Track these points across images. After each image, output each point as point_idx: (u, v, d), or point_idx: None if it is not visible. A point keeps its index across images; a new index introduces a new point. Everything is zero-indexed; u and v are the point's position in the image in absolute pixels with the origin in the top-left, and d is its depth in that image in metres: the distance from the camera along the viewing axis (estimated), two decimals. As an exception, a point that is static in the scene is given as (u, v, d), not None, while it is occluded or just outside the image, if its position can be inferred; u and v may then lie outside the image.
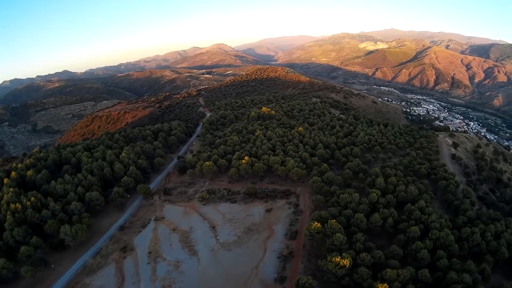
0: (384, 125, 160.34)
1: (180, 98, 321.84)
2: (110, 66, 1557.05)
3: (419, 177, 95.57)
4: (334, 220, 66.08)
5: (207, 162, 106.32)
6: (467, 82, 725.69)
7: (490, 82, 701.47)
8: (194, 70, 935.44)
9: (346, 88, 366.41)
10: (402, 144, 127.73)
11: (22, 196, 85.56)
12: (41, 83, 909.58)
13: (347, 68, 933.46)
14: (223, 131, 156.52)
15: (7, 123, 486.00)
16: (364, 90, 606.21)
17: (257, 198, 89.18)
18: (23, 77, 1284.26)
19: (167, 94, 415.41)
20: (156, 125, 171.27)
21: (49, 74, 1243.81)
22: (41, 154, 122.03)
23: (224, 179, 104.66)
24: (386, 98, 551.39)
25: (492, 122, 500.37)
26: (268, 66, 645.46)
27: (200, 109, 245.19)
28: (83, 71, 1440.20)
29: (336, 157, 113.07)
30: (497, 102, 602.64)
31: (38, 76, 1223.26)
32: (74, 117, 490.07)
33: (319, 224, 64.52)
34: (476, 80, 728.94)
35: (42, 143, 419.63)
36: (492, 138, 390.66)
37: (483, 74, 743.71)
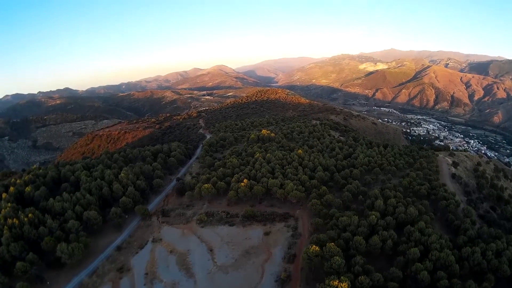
0: (383, 146, 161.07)
1: (181, 119, 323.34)
2: (112, 85, 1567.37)
3: (419, 197, 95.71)
4: (333, 243, 65.90)
5: (206, 185, 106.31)
6: (466, 100, 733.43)
7: (490, 99, 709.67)
8: (195, 92, 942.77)
9: (346, 110, 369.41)
10: (401, 165, 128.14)
11: (19, 212, 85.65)
12: (43, 99, 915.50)
13: (347, 89, 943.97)
14: (222, 153, 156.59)
15: (7, 137, 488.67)
16: (364, 112, 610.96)
17: (255, 221, 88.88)
18: (25, 92, 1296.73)
19: (168, 115, 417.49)
20: (155, 146, 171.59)
21: (50, 90, 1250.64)
22: (40, 170, 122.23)
23: (223, 202, 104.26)
24: (386, 119, 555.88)
25: (492, 139, 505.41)
26: (268, 88, 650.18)
27: (200, 130, 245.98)
28: (84, 89, 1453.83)
29: (335, 179, 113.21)
30: (497, 118, 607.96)
31: (39, 92, 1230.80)
32: (75, 135, 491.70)
33: (317, 247, 64.36)
34: (476, 97, 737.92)
35: (41, 159, 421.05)
36: (492, 155, 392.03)
37: (483, 91, 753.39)
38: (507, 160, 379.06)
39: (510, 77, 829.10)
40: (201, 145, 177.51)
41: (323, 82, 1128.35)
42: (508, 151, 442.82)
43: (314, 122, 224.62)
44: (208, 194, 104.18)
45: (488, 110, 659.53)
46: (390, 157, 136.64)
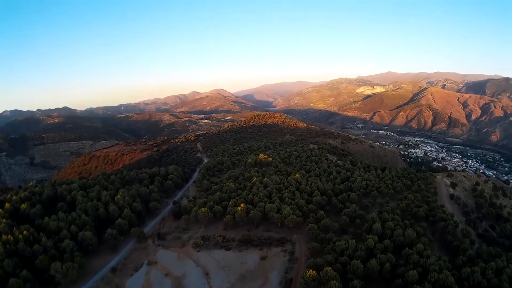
0: (381, 169, 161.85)
1: (178, 143, 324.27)
2: (110, 106, 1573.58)
3: (417, 219, 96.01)
4: (330, 268, 65.52)
5: (202, 208, 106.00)
6: (464, 120, 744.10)
7: (487, 118, 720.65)
8: (193, 115, 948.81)
9: (343, 133, 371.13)
10: (399, 188, 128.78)
11: (14, 228, 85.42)
12: (41, 117, 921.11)
13: (345, 113, 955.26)
14: (219, 178, 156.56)
15: (5, 153, 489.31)
16: (362, 135, 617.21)
17: (252, 245, 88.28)
18: (24, 108, 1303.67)
19: (166, 138, 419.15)
20: (153, 168, 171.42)
21: (49, 109, 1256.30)
22: (37, 188, 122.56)
23: (219, 226, 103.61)
24: (384, 142, 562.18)
25: (490, 158, 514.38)
26: (266, 112, 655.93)
27: (198, 154, 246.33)
28: (83, 109, 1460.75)
29: (333, 203, 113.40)
30: (495, 137, 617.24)
31: (38, 109, 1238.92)
32: (72, 154, 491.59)
33: (314, 272, 64.06)
34: (473, 117, 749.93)
35: (38, 177, 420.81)
36: (491, 174, 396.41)
37: (480, 111, 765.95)
38: (505, 178, 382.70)
39: (507, 95, 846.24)
40: (199, 169, 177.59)
41: (321, 106, 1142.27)
42: (506, 168, 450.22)
43: (311, 146, 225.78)
44: (204, 218, 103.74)
45: (485, 129, 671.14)
46: (388, 180, 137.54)
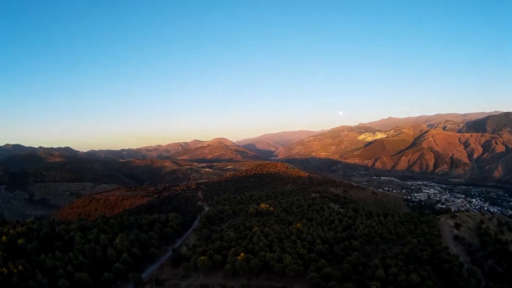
0: (384, 215, 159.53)
1: (179, 190, 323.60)
2: (112, 150, 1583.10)
3: (421, 263, 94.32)
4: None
5: (202, 257, 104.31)
6: (466, 160, 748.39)
7: (489, 155, 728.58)
8: (195, 163, 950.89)
9: (345, 181, 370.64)
10: (402, 233, 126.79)
11: (9, 262, 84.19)
12: (43, 155, 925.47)
13: (346, 161, 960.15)
14: (220, 226, 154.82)
15: (4, 186, 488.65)
16: (364, 182, 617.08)
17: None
18: (26, 144, 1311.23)
19: (167, 185, 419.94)
20: (153, 215, 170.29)
21: (51, 147, 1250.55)
22: (35, 225, 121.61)
23: (219, 274, 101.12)
24: (386, 188, 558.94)
25: (494, 195, 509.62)
26: (268, 161, 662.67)
27: (199, 203, 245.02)
28: (85, 150, 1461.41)
29: (335, 251, 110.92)
30: (497, 173, 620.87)
31: (40, 147, 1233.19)
32: (72, 195, 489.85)
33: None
34: (475, 155, 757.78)
35: (37, 214, 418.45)
36: (495, 210, 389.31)
37: (481, 149, 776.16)
38: (510, 212, 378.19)
39: (508, 130, 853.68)
40: (199, 217, 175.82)
41: (323, 154, 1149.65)
42: (511, 203, 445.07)
43: (313, 195, 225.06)
44: (204, 266, 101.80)
45: (488, 167, 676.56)
46: (390, 226, 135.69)
